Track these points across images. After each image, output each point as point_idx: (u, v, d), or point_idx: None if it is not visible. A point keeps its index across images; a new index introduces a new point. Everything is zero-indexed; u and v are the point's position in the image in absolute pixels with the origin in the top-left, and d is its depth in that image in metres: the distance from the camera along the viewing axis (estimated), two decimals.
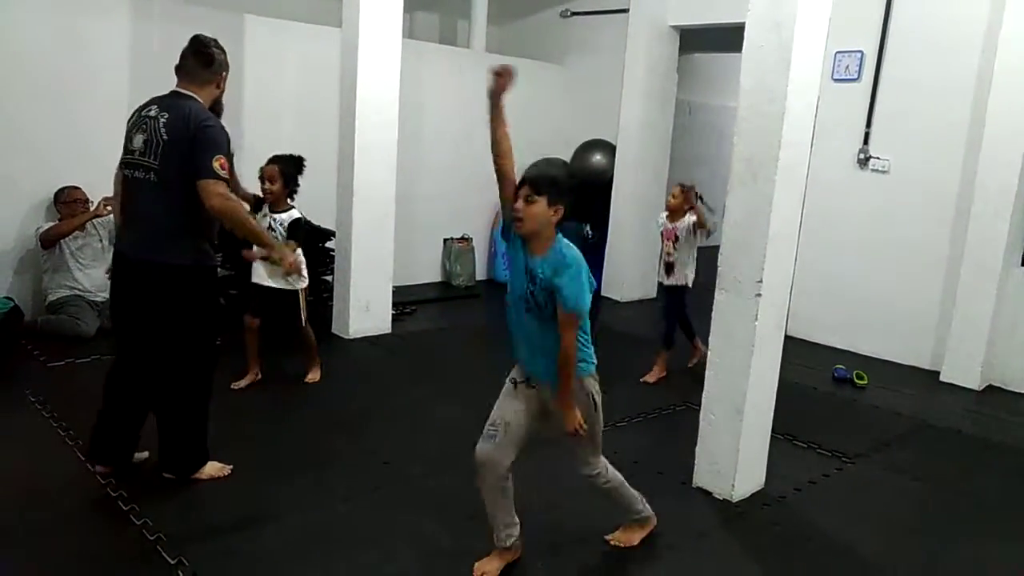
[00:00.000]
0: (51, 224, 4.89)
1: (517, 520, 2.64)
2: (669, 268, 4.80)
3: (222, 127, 2.93)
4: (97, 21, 5.12)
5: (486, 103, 2.47)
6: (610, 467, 2.75)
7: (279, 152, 4.25)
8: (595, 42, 7.64)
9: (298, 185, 4.19)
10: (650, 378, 4.83)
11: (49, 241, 4.85)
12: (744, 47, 3.09)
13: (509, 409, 2.56)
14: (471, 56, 7.45)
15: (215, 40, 3.04)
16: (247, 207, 3.60)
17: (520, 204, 2.37)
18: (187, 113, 2.86)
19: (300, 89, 6.13)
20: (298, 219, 4.13)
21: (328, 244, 5.66)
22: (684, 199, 4.72)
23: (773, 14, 2.98)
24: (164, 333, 2.95)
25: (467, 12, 7.72)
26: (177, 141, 2.83)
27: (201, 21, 5.32)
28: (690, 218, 4.68)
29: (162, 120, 2.87)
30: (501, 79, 2.43)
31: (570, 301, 2.34)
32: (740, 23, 3.14)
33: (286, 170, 4.11)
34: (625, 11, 6.96)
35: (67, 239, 4.88)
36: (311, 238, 5.59)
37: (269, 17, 5.95)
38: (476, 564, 2.62)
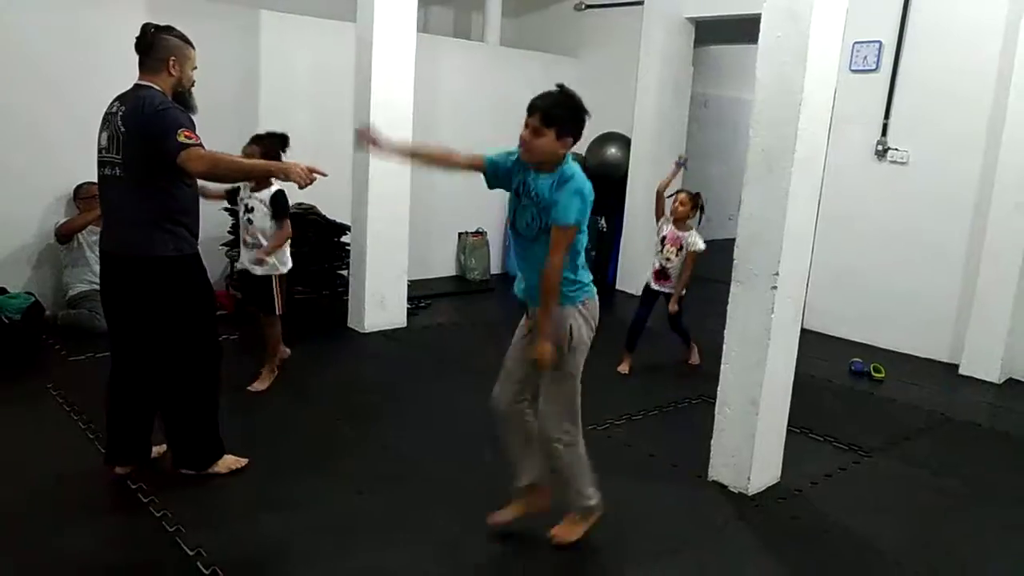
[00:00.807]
0: (68, 218, 4.95)
1: (533, 463, 2.61)
2: (663, 274, 4.75)
3: (181, 110, 2.86)
4: (112, 18, 5.15)
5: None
6: (580, 440, 2.62)
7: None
8: (609, 35, 7.60)
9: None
10: (694, 360, 4.94)
11: (65, 235, 4.90)
12: (760, 38, 3.06)
13: (513, 348, 2.59)
14: (486, 50, 7.44)
15: (166, 26, 2.97)
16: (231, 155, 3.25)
17: (526, 134, 2.31)
18: (141, 103, 2.82)
19: (315, 84, 6.14)
20: (280, 191, 3.98)
21: (343, 239, 5.69)
22: (691, 205, 4.69)
23: (790, 4, 2.95)
24: (158, 328, 2.93)
25: (481, 5, 7.70)
26: (134, 132, 2.80)
27: (215, 16, 5.37)
28: (700, 245, 4.63)
29: (120, 114, 2.85)
30: (366, 145, 2.56)
31: (566, 215, 2.29)
32: (756, 14, 3.11)
33: (268, 149, 3.94)
34: (640, 3, 6.92)
35: (84, 233, 4.93)
36: (326, 232, 5.63)
37: (284, 12, 5.97)
38: (495, 514, 2.66)
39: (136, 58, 2.94)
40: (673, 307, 4.69)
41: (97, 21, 5.10)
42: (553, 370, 2.46)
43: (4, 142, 4.85)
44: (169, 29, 2.98)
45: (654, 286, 4.81)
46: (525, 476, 2.65)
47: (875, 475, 3.62)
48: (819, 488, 3.42)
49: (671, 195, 4.84)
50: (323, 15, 6.21)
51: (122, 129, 2.83)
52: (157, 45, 2.92)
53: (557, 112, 2.29)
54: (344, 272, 5.63)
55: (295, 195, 5.85)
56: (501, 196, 7.57)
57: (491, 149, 2.55)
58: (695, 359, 5.02)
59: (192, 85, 3.04)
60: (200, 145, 2.77)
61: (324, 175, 2.97)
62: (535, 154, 2.32)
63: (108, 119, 2.91)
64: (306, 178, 2.94)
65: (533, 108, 2.33)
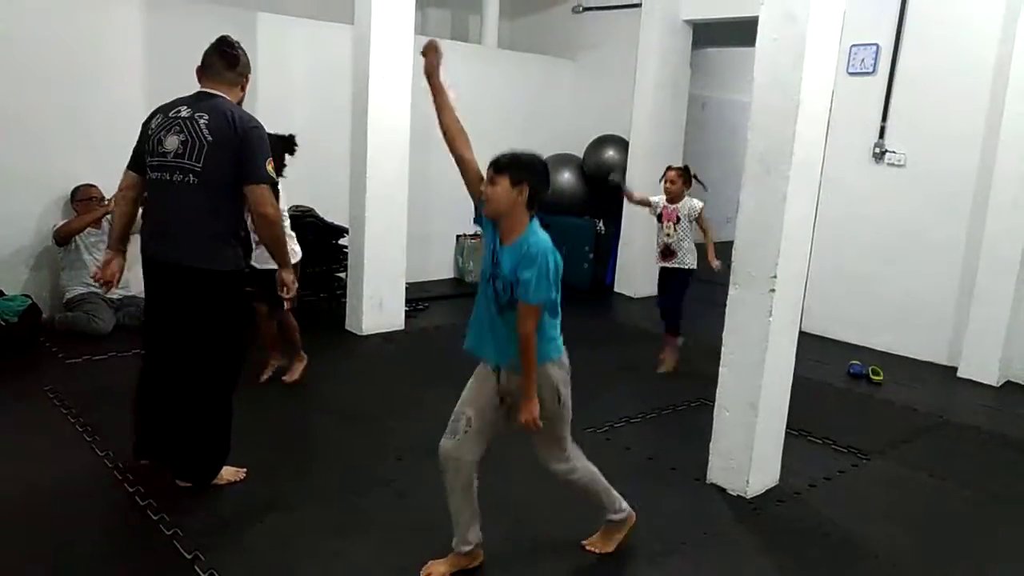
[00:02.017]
0: (65, 221, 4.94)
1: (477, 525, 2.56)
2: (667, 251, 4.71)
3: (264, 128, 2.91)
4: (111, 19, 5.16)
5: (431, 89, 2.51)
6: (582, 460, 2.64)
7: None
8: (607, 37, 7.61)
9: (284, 165, 4.02)
10: (666, 365, 4.83)
11: (63, 237, 4.89)
12: (758, 41, 3.07)
13: (470, 400, 2.52)
14: (483, 52, 7.45)
15: (239, 43, 3.00)
16: None
17: (485, 185, 2.37)
18: (230, 114, 2.81)
19: (312, 86, 6.15)
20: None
21: (341, 241, 5.68)
22: (682, 182, 4.66)
23: (787, 7, 2.96)
24: (199, 338, 2.91)
25: (479, 8, 7.71)
26: (223, 143, 2.77)
27: (214, 18, 5.36)
28: (697, 204, 4.62)
29: (202, 121, 2.79)
30: (428, 57, 2.48)
31: (531, 296, 2.29)
32: (753, 17, 3.12)
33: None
34: (637, 6, 6.93)
35: (81, 235, 4.92)
36: (324, 235, 5.63)
37: (281, 14, 5.97)
38: (429, 562, 2.57)
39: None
40: (715, 262, 4.50)
41: (95, 23, 5.10)
42: (547, 430, 2.47)
43: (1, 143, 4.84)
44: (243, 49, 3.02)
45: (664, 264, 4.77)
46: (468, 537, 2.56)
47: (873, 478, 3.62)
48: (818, 491, 3.42)
49: (661, 178, 4.78)
50: (321, 17, 6.22)
51: (208, 138, 2.77)
52: (243, 61, 2.97)
53: (505, 161, 2.35)
54: (342, 274, 5.63)
55: (293, 198, 5.88)
56: None
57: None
58: (668, 363, 4.83)
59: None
60: (276, 183, 2.91)
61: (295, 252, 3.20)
62: (492, 203, 2.35)
63: (178, 123, 2.82)
64: (288, 295, 3.12)
65: (490, 164, 2.38)
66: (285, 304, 3.99)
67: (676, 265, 4.72)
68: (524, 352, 2.34)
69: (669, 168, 4.78)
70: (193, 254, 2.84)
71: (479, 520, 2.57)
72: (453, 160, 2.51)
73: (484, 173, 2.41)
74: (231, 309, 2.98)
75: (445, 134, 2.51)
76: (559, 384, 2.47)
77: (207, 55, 2.95)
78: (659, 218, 4.76)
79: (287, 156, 4.07)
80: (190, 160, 2.79)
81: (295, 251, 4.09)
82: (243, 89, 3.01)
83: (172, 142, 2.82)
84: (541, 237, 2.36)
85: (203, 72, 2.94)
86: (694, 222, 4.65)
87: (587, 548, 2.77)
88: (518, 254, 2.33)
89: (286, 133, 4.09)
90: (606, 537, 2.78)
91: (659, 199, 4.79)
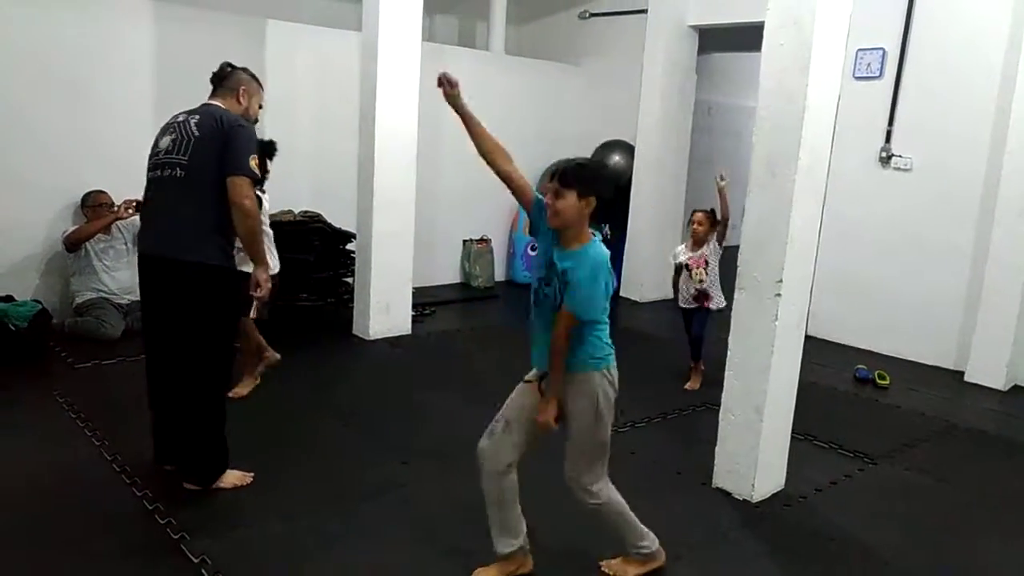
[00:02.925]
0: (75, 227, 4.98)
1: (522, 528, 2.54)
2: (702, 296, 4.59)
3: (254, 131, 3.03)
4: (121, 27, 5.20)
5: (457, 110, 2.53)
6: (611, 489, 2.55)
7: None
8: (613, 43, 7.63)
9: (267, 171, 3.96)
10: (692, 384, 4.75)
11: (73, 244, 4.93)
12: (763, 46, 3.08)
13: (514, 406, 2.53)
14: (490, 58, 7.47)
15: (242, 67, 3.19)
16: None
17: (550, 198, 2.37)
18: (219, 115, 2.95)
19: (320, 92, 6.18)
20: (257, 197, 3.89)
21: (348, 246, 5.71)
22: (709, 224, 4.56)
23: (792, 12, 2.97)
24: (187, 335, 2.95)
25: (486, 14, 7.74)
26: (209, 138, 2.88)
27: (223, 26, 5.41)
28: (716, 247, 4.54)
29: (192, 121, 2.94)
30: (444, 88, 2.53)
31: (575, 302, 2.31)
32: (759, 22, 3.12)
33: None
34: (643, 12, 6.95)
35: (91, 241, 4.96)
36: (331, 240, 5.66)
37: (290, 22, 6.01)
38: (478, 569, 2.56)
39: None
40: (710, 298, 4.53)
41: (106, 31, 5.14)
42: (580, 439, 2.46)
43: (13, 150, 4.89)
44: (244, 69, 3.19)
45: (704, 305, 4.61)
46: (509, 541, 2.55)
47: (880, 483, 3.61)
48: (824, 495, 3.42)
49: (688, 222, 4.68)
50: (329, 24, 6.26)
51: (195, 133, 2.90)
52: (230, 76, 3.14)
53: (574, 172, 2.36)
54: (349, 279, 5.65)
55: (301, 203, 5.92)
56: (505, 204, 7.59)
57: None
58: (694, 383, 4.76)
59: (257, 120, 3.21)
60: (259, 179, 2.96)
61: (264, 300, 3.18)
62: (560, 216, 2.36)
63: (174, 126, 2.99)
64: (262, 293, 3.08)
65: (553, 174, 2.40)
66: (252, 307, 3.86)
67: (712, 307, 4.62)
68: (554, 353, 2.35)
69: (695, 211, 4.66)
70: (179, 247, 2.89)
71: (520, 524, 2.54)
72: (497, 176, 2.51)
73: (518, 178, 2.44)
74: (218, 304, 2.98)
75: (485, 157, 2.52)
76: (600, 395, 2.42)
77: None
78: (686, 268, 4.61)
79: (268, 162, 4.02)
80: (178, 155, 2.91)
81: (272, 265, 3.96)
82: (241, 100, 3.13)
83: (165, 141, 2.97)
84: (601, 251, 2.38)
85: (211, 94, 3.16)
86: (718, 248, 4.54)
87: (603, 569, 2.69)
88: (579, 257, 2.35)
89: (267, 139, 4.05)
90: (626, 565, 2.67)
91: (680, 250, 4.69)
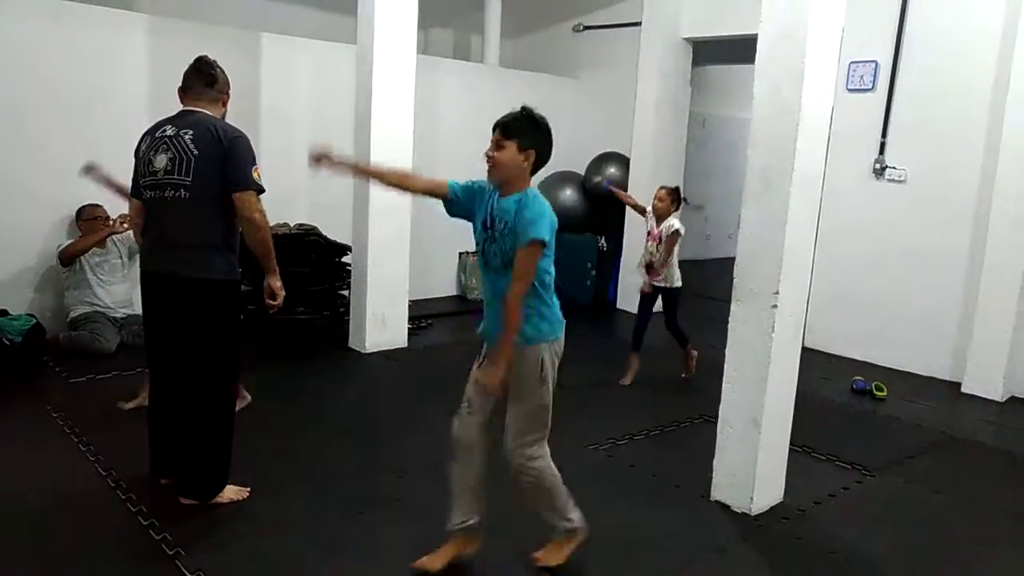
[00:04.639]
0: (70, 241, 4.97)
1: (476, 508, 2.58)
2: (650, 268, 4.82)
3: (249, 140, 2.97)
4: (117, 40, 5.21)
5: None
6: (549, 460, 2.57)
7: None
8: (608, 55, 7.67)
9: None
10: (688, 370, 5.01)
11: (68, 258, 4.91)
12: (757, 59, 3.09)
13: (473, 378, 2.55)
14: (485, 71, 7.50)
15: (216, 61, 3.10)
16: None
17: (490, 150, 2.39)
18: (213, 128, 2.90)
19: (315, 105, 6.19)
20: None
21: (344, 259, 5.70)
22: (670, 201, 4.77)
23: (786, 25, 2.98)
24: (196, 349, 2.94)
25: (481, 27, 7.78)
26: (209, 155, 2.86)
27: (219, 39, 5.42)
28: (675, 225, 4.71)
29: (187, 137, 2.89)
30: (322, 163, 2.59)
31: (527, 228, 2.31)
32: (753, 35, 3.14)
33: None
34: (638, 24, 6.98)
35: (86, 256, 4.94)
36: (326, 253, 5.65)
37: (285, 35, 6.03)
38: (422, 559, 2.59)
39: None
40: (656, 275, 4.76)
41: (101, 43, 5.15)
42: (525, 403, 2.48)
43: (8, 164, 4.88)
44: (220, 68, 3.11)
45: (651, 281, 4.84)
46: (467, 515, 2.59)
47: (878, 494, 3.60)
48: (822, 508, 3.41)
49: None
50: (324, 38, 6.28)
51: (194, 152, 2.86)
52: (221, 79, 3.07)
53: (516, 125, 2.38)
54: (345, 292, 5.64)
55: (297, 215, 5.91)
56: None
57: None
58: (690, 367, 5.02)
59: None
60: (264, 190, 2.94)
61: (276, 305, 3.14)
62: (499, 168, 2.38)
63: (164, 142, 2.92)
64: (274, 301, 3.09)
65: (495, 126, 2.42)
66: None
67: (660, 284, 4.81)
68: (509, 308, 2.33)
69: (661, 187, 4.89)
70: (188, 264, 2.90)
71: (481, 499, 2.59)
72: (418, 195, 2.64)
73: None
74: (226, 319, 2.99)
75: (398, 188, 2.68)
76: (545, 360, 2.45)
77: (187, 76, 3.05)
78: (648, 235, 4.87)
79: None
80: (180, 176, 2.88)
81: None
82: (224, 105, 3.11)
83: (161, 160, 2.91)
84: (540, 196, 2.40)
85: (184, 92, 3.05)
86: (669, 240, 4.72)
87: (539, 560, 2.67)
88: (518, 203, 2.36)
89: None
90: (558, 548, 2.68)
91: (649, 219, 4.90)
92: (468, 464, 2.57)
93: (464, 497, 2.59)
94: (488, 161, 2.40)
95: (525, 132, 2.37)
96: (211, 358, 2.97)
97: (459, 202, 2.55)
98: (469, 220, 2.56)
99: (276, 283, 3.09)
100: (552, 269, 2.45)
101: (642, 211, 4.98)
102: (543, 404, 2.51)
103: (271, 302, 3.10)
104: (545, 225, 2.33)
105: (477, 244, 2.52)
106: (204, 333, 2.94)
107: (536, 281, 2.39)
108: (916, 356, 5.58)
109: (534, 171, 2.42)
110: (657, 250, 4.76)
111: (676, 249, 4.75)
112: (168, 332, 2.98)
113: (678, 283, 4.83)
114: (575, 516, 2.67)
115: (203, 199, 2.88)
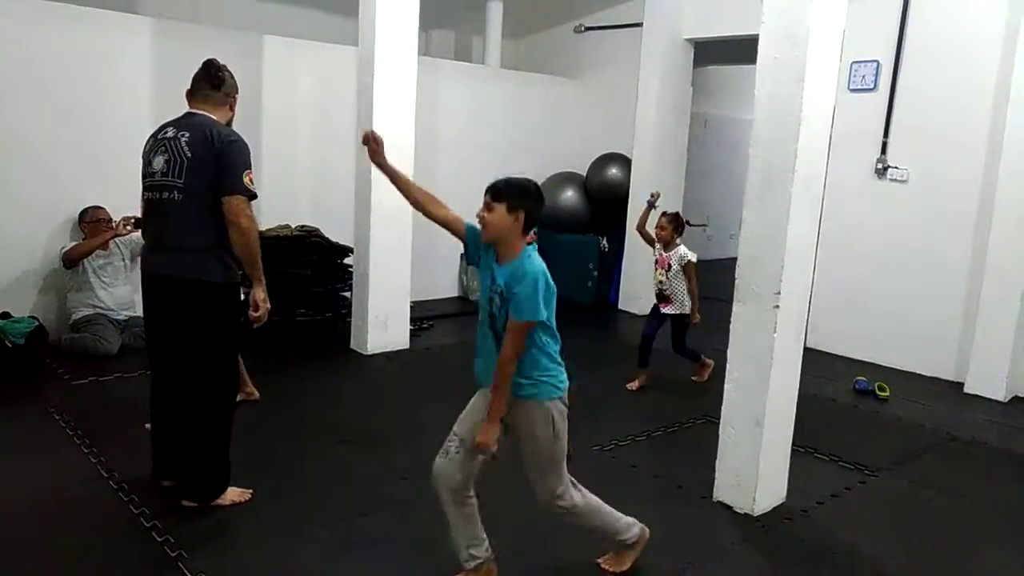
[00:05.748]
0: (73, 244, 4.97)
1: (483, 539, 2.55)
2: (662, 297, 4.80)
3: (245, 143, 2.97)
4: (119, 43, 5.22)
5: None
6: (581, 495, 2.58)
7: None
8: (609, 56, 7.67)
9: None
10: (702, 376, 5.03)
11: (71, 260, 4.92)
12: (758, 59, 3.09)
13: (466, 422, 2.53)
14: (486, 72, 7.50)
15: (225, 66, 3.09)
16: None
17: (482, 211, 2.43)
18: (209, 130, 2.90)
19: (317, 107, 6.20)
20: None
21: (346, 260, 5.71)
22: (672, 228, 4.75)
23: (787, 26, 2.98)
24: (195, 351, 2.95)
25: (482, 29, 7.78)
26: (202, 158, 2.86)
27: (221, 42, 5.43)
28: (687, 254, 4.70)
29: (183, 139, 2.89)
30: (370, 146, 2.63)
31: (519, 309, 2.32)
32: (754, 35, 3.14)
33: None
34: (639, 25, 6.98)
35: (89, 258, 4.95)
36: (328, 254, 5.65)
37: (287, 37, 6.04)
38: None
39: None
40: (696, 317, 4.75)
41: (104, 47, 5.16)
42: (544, 461, 2.48)
43: (11, 166, 4.89)
44: (228, 71, 3.09)
45: (665, 310, 4.82)
46: (472, 553, 2.55)
47: (881, 495, 3.60)
48: (825, 508, 3.40)
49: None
50: (326, 40, 6.28)
51: (188, 154, 2.87)
52: (228, 82, 3.06)
53: (504, 188, 2.41)
54: (347, 294, 5.64)
55: (299, 217, 5.92)
56: None
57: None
58: (704, 375, 5.03)
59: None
60: (255, 195, 2.92)
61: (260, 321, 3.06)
62: (490, 228, 2.41)
63: (163, 144, 2.93)
64: (260, 314, 3.01)
65: (486, 190, 2.45)
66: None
67: (674, 312, 4.80)
68: (500, 372, 2.36)
69: (661, 215, 4.86)
70: (184, 267, 2.90)
71: (483, 535, 2.56)
72: (435, 223, 2.63)
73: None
74: (223, 321, 2.98)
75: (418, 207, 2.66)
76: (556, 418, 2.46)
77: (195, 78, 3.05)
78: (655, 264, 4.83)
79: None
80: (174, 177, 2.89)
81: None
82: (231, 108, 3.11)
83: (159, 162, 2.93)
84: (536, 261, 2.41)
85: (191, 95, 3.05)
86: (682, 271, 4.72)
87: (602, 566, 2.76)
88: (512, 274, 2.38)
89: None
90: (620, 556, 2.76)
91: (659, 244, 4.86)
92: (460, 502, 2.53)
93: (466, 536, 2.55)
94: (480, 222, 2.44)
95: (513, 194, 2.40)
96: (209, 361, 2.97)
97: (471, 249, 2.56)
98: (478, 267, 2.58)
99: (260, 294, 3.00)
100: (553, 323, 2.44)
101: (651, 242, 4.88)
102: (560, 459, 2.52)
103: (254, 314, 3.01)
104: (538, 303, 2.34)
105: (483, 297, 2.51)
106: (201, 336, 2.94)
107: (537, 344, 2.40)
108: (919, 356, 5.57)
109: (527, 229, 2.44)
110: (667, 277, 4.73)
111: (680, 281, 4.74)
112: (167, 334, 2.99)
113: (687, 308, 4.77)
114: (630, 533, 2.71)
115: (195, 201, 2.87)
